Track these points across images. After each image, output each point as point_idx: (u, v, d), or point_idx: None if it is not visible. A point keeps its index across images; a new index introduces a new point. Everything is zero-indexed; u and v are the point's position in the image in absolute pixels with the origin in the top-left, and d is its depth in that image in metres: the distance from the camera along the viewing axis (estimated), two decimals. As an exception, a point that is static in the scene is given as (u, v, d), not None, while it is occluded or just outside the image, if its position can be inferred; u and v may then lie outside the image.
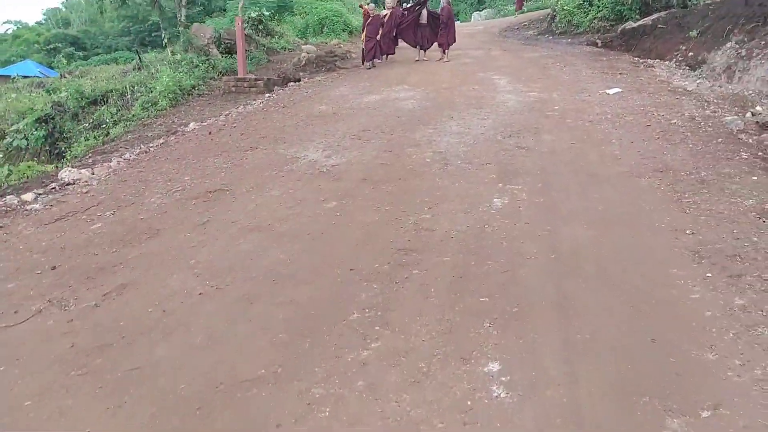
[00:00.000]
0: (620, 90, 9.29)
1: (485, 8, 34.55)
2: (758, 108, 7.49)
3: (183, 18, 14.30)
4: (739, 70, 9.59)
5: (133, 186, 5.85)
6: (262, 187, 5.57)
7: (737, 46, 10.28)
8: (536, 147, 6.56)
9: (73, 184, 6.06)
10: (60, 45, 36.61)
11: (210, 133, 7.96)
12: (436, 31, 13.55)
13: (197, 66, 12.64)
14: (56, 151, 11.56)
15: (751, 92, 8.55)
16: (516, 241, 4.23)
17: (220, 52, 13.86)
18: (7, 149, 12.79)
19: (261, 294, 3.53)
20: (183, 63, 12.42)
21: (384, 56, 13.88)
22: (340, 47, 18.30)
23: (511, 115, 8.01)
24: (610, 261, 3.86)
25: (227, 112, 9.41)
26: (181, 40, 13.83)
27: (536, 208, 4.86)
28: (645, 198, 4.92)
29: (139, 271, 3.95)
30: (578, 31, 17.76)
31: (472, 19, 33.07)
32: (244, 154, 6.73)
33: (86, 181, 6.10)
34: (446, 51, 13.46)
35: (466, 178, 5.66)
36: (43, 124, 12.22)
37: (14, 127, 12.96)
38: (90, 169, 6.53)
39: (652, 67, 11.93)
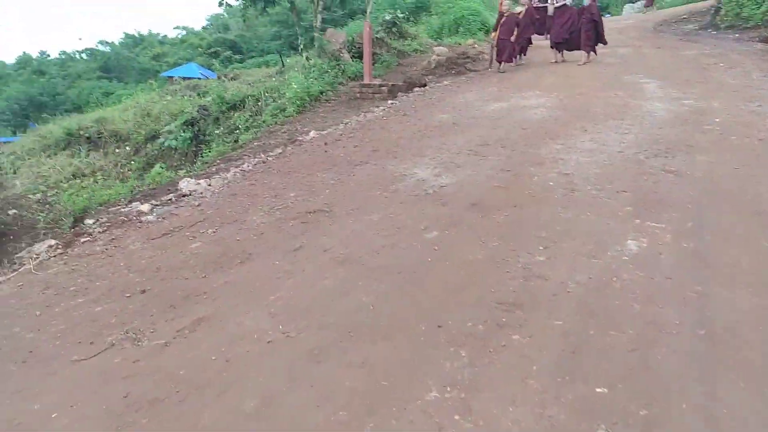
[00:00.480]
0: (805, 97, 7.52)
1: (639, 0, 31.33)
2: None
3: (319, 23, 14.48)
4: None
5: (240, 201, 5.75)
6: (363, 210, 5.14)
7: None
8: (688, 171, 5.39)
9: (189, 195, 6.13)
10: (219, 49, 39.93)
11: (325, 143, 7.75)
12: (579, 29, 12.23)
13: (327, 71, 12.68)
14: (200, 153, 12.27)
15: None
16: (652, 304, 3.32)
17: (351, 57, 13.81)
18: (161, 148, 13.92)
19: (332, 349, 3.07)
20: (313, 68, 12.53)
21: (518, 57, 12.87)
22: (474, 48, 17.48)
23: (658, 129, 6.77)
24: (787, 348, 2.84)
25: (347, 121, 9.20)
26: (315, 45, 14.01)
27: (683, 257, 3.85)
28: (841, 253, 3.68)
29: (219, 303, 3.70)
30: (748, 26, 15.18)
31: (624, 13, 30.19)
32: (353, 170, 6.37)
33: (201, 193, 6.14)
34: (589, 53, 12.02)
35: (595, 209, 4.74)
36: (190, 126, 13.06)
37: (167, 128, 14.05)
38: (208, 179, 6.61)
39: None
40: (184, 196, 6.08)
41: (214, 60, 38.80)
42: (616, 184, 5.24)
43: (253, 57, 37.14)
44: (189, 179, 6.51)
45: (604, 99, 8.62)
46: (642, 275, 3.65)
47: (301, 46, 15.47)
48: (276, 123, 10.14)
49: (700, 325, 3.08)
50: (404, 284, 3.75)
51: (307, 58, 14.44)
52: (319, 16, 14.37)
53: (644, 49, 13.69)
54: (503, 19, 12.08)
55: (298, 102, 10.68)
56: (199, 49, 40.65)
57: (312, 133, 8.63)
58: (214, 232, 5.00)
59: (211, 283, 4.01)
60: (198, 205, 5.76)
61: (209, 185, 6.35)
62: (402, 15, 18.98)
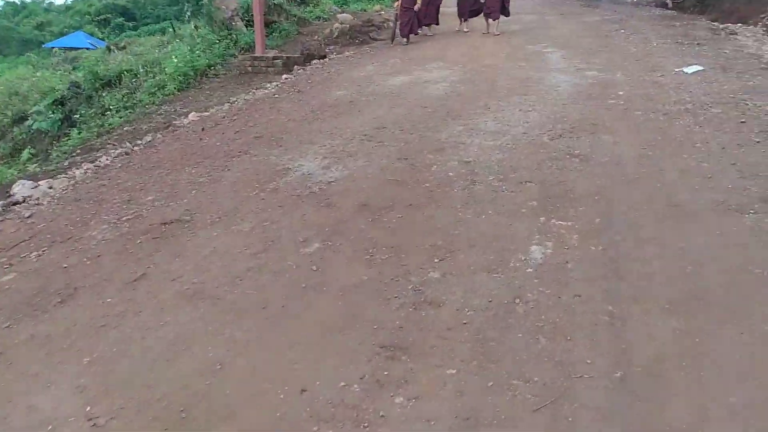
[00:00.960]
0: (701, 68, 7.32)
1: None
2: None
3: (207, -12, 12.92)
4: None
5: (83, 209, 4.64)
6: (232, 217, 4.24)
7: None
8: (594, 155, 4.90)
9: (23, 202, 4.93)
10: (110, 15, 36.11)
11: (203, 129, 6.66)
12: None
13: (216, 42, 11.31)
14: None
15: None
16: (560, 335, 2.74)
17: (246, 25, 12.45)
18: (29, 132, 12.02)
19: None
20: (200, 39, 11.13)
21: (423, 28, 11.83)
22: (380, 15, 16.47)
23: (563, 106, 6.28)
24: (714, 389, 2.32)
25: (234, 100, 8.08)
26: (207, 12, 12.48)
27: (592, 265, 3.31)
28: (756, 255, 3.27)
29: (11, 373, 2.73)
30: (646, -10, 15.25)
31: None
32: (228, 163, 5.40)
33: (37, 199, 4.95)
34: (495, 20, 11.10)
35: (497, 205, 4.13)
36: (60, 106, 11.31)
37: (35, 109, 12.14)
38: (51, 180, 5.39)
39: (735, 34, 9.71)
40: (15, 204, 4.87)
41: (104, 28, 35.07)
42: (519, 172, 4.66)
43: (148, 24, 33.89)
44: (25, 182, 5.25)
45: (508, 71, 8.07)
46: (548, 293, 3.07)
47: (188, 14, 13.84)
48: (154, 103, 8.82)
49: (616, 365, 2.52)
50: (268, 328, 2.95)
51: (196, 27, 12.90)
52: (208, -20, 12.79)
53: (548, 16, 13.34)
54: (404, -15, 11.13)
55: (180, 78, 9.36)
56: (87, 16, 36.56)
57: (191, 116, 7.47)
58: (39, 256, 3.91)
59: (13, 338, 3.01)
60: (28, 218, 4.59)
61: (50, 188, 5.15)
62: (303, -21, 17.59)
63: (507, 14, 11.18)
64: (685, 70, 7.28)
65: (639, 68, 7.65)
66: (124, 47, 21.58)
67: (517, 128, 5.68)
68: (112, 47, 23.23)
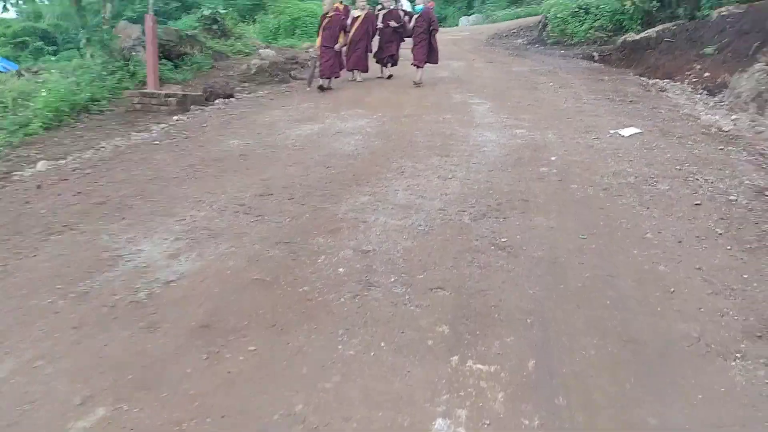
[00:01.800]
0: (638, 130, 6.48)
1: (474, 13, 31.57)
2: None
3: (108, 14, 11.23)
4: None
5: None
6: (-11, 352, 2.69)
7: (770, 68, 7.57)
8: (525, 246, 3.73)
9: None
10: (29, 39, 33.09)
11: (38, 186, 5.03)
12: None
13: (111, 73, 9.64)
14: None
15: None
16: None
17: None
18: None
19: None
20: (81, 69, 9.44)
21: (352, 73, 10.52)
22: (308, 52, 15.28)
23: (488, 173, 5.16)
24: None
25: (102, 146, 6.47)
26: (99, 40, 10.77)
27: (525, 470, 2.03)
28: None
29: None
30: (572, 42, 14.97)
31: (460, 24, 30.13)
32: (42, 243, 3.84)
33: None
34: (417, 70, 9.84)
35: (393, 332, 2.82)
36: None
37: None
38: None
39: (665, 91, 9.16)
40: None
41: (21, 51, 32.01)
42: (430, 272, 3.40)
43: (70, 49, 31.23)
44: None
45: (430, 125, 6.96)
46: None
47: (83, 41, 12.06)
48: (11, 144, 7.04)
49: None
50: None
51: (92, 56, 11.17)
52: (109, 5, 11.14)
53: (477, 63, 12.61)
54: (325, 22, 9.93)
55: (49, 114, 7.65)
56: (2, 38, 33.32)
57: (40, 165, 5.82)
58: None
59: None
60: None
61: None
62: (225, 11, 16.23)
63: (435, 62, 10.19)
64: (621, 132, 6.42)
65: (571, 128, 6.73)
66: (36, 71, 19.30)
67: (433, 202, 4.46)
68: (23, 72, 20.78)
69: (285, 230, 4.01)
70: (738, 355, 2.61)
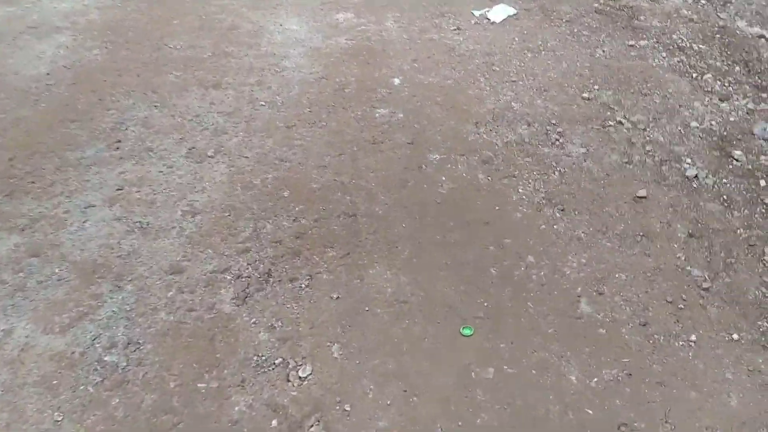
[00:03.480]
0: (513, 11, 4.25)
1: None
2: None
3: None
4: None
5: None
6: None
7: None
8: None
9: None
10: None
11: None
12: None
13: None
14: None
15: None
16: None
17: None
18: None
19: None
20: None
21: None
22: None
23: (286, 130, 2.73)
24: None
25: None
26: None
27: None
28: None
29: None
30: None
31: None
32: None
33: None
34: None
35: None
36: None
37: None
38: None
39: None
40: None
41: None
42: None
43: None
44: None
45: (200, 5, 4.00)
46: None
47: None
48: None
49: None
50: None
51: None
52: None
53: None
54: None
55: None
56: None
57: None
58: None
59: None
60: None
61: None
62: None
63: None
64: (490, 15, 4.15)
65: (420, 6, 4.27)
66: None
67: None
68: None
69: None
70: None
